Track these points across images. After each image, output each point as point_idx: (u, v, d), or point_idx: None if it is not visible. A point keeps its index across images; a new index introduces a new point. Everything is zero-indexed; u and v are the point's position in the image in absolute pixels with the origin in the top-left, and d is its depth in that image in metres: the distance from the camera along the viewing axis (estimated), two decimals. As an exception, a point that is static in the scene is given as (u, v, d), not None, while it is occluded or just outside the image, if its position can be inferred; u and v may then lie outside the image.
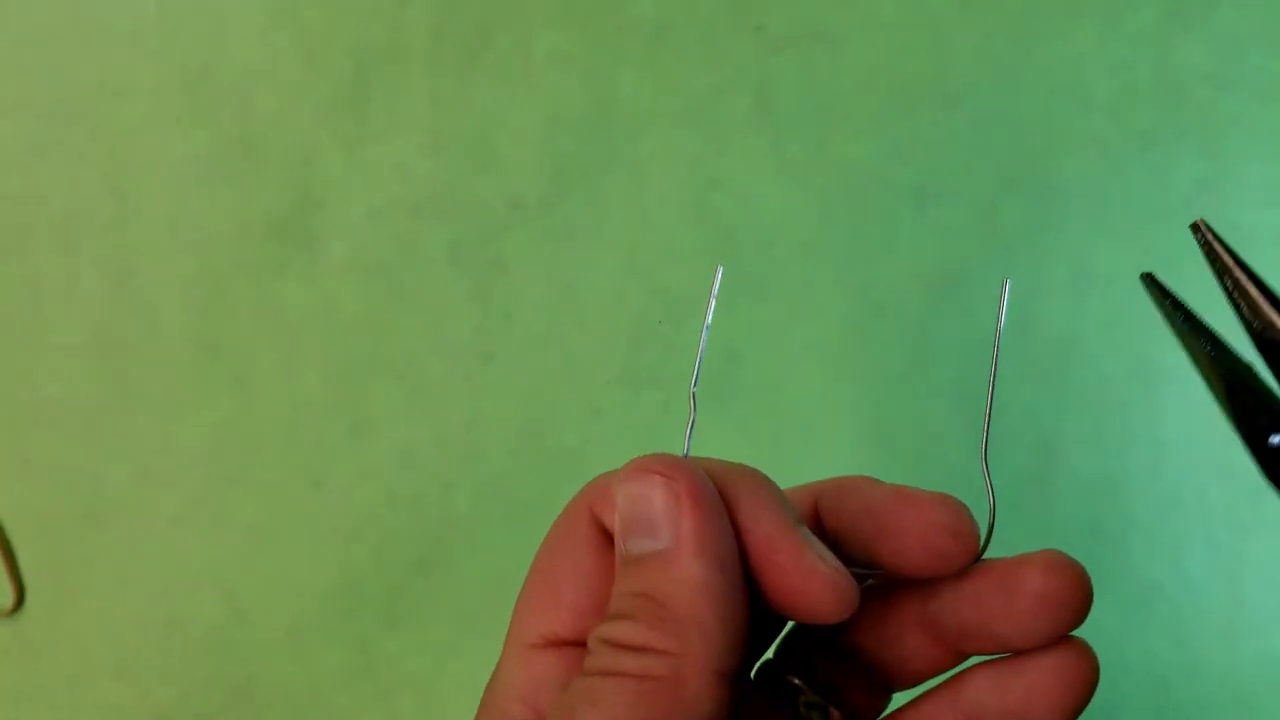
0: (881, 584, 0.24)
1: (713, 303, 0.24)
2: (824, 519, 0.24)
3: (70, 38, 0.52)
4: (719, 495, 0.22)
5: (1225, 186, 0.44)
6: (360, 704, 0.49)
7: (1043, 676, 0.23)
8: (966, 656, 0.25)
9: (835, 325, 0.46)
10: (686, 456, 0.23)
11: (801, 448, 0.45)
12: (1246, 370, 0.21)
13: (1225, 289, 0.22)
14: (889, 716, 0.26)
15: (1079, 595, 0.22)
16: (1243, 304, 0.21)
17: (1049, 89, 0.45)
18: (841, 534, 0.24)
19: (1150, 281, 0.24)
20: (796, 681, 0.25)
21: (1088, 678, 0.23)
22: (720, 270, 0.24)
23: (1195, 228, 0.23)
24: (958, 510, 0.23)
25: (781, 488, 0.24)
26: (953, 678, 0.25)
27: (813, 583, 0.21)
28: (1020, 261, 0.45)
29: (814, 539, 0.22)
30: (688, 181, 0.47)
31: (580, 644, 0.22)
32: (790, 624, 0.26)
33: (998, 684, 0.23)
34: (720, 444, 0.46)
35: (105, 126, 0.52)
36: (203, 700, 0.50)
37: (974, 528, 0.23)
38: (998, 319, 0.24)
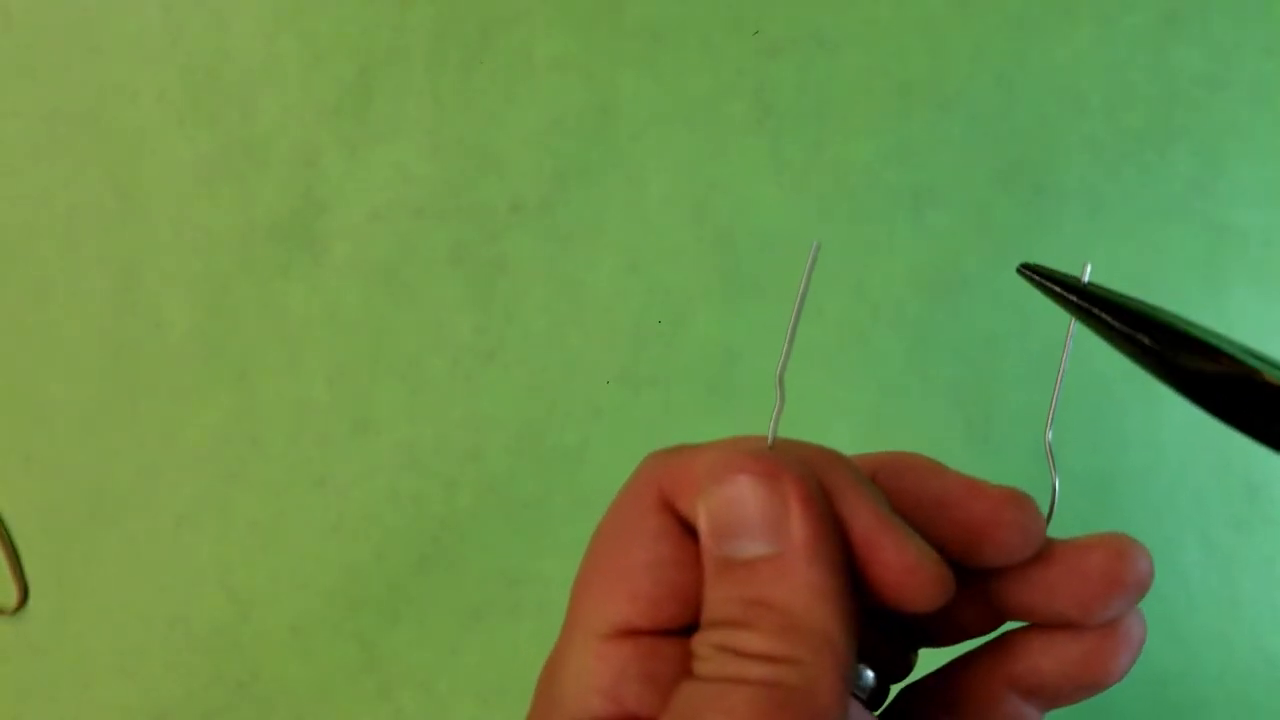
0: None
1: (807, 281, 0.24)
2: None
3: (75, 40, 0.52)
4: (822, 491, 0.21)
5: (1219, 187, 0.44)
6: (363, 701, 0.49)
7: (1101, 642, 0.23)
8: (1009, 619, 0.25)
9: (833, 325, 0.46)
10: (771, 444, 0.23)
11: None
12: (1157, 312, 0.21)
13: (1085, 321, 0.23)
14: (932, 676, 0.26)
15: (1145, 578, 0.22)
16: (1107, 331, 0.22)
17: (1045, 91, 0.45)
18: (902, 514, 0.23)
19: (1028, 273, 0.24)
20: None
21: (1141, 639, 0.23)
22: (816, 246, 0.24)
23: (1022, 271, 0.24)
24: (1029, 509, 0.23)
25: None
26: (999, 639, 0.25)
27: (918, 576, 0.21)
28: (1016, 262, 0.45)
29: (909, 529, 0.22)
30: (687, 183, 0.47)
31: (655, 634, 0.22)
32: None
33: (1052, 649, 0.24)
34: (719, 443, 0.46)
35: (110, 128, 0.52)
36: (206, 698, 0.50)
37: (1043, 525, 0.23)
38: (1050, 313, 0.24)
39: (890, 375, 0.46)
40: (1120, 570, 0.22)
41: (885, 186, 0.46)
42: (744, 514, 0.21)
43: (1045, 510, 0.24)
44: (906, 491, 0.24)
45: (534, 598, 0.47)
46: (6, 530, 0.52)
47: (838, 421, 0.46)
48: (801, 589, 0.20)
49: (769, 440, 0.23)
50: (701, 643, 0.21)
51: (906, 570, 0.21)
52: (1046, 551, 0.23)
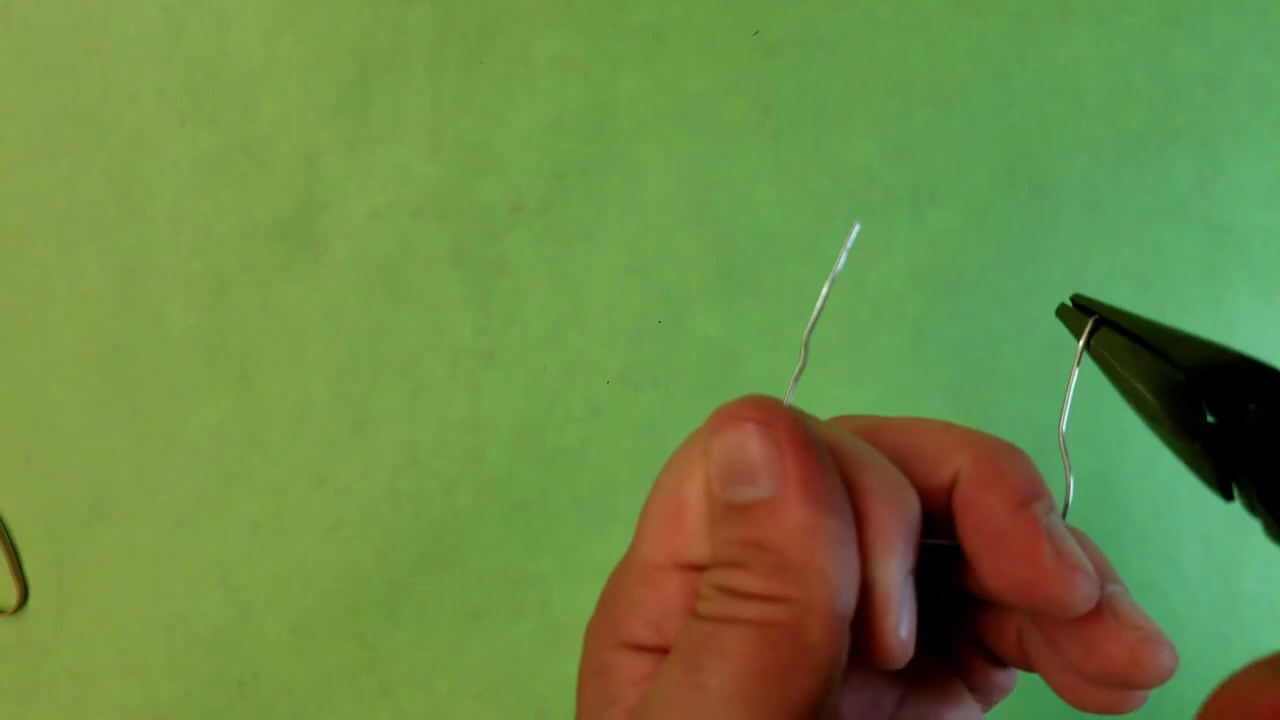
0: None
1: (844, 255, 0.24)
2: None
3: (76, 41, 0.52)
4: (821, 440, 0.22)
5: (1219, 187, 0.44)
6: (363, 700, 0.49)
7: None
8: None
9: (833, 325, 0.46)
10: (789, 405, 0.23)
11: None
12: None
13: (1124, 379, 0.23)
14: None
15: (1159, 679, 0.22)
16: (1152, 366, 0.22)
17: (1044, 91, 0.45)
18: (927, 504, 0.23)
19: (1074, 312, 0.24)
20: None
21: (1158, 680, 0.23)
22: (857, 226, 0.24)
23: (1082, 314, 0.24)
24: (1087, 583, 0.22)
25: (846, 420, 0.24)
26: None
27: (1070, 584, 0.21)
28: (1016, 262, 0.45)
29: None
30: (687, 183, 0.47)
31: (701, 569, 0.22)
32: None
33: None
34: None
35: (110, 128, 0.52)
36: (206, 697, 0.50)
37: (1090, 596, 0.22)
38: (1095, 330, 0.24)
39: (890, 374, 0.46)
40: (1137, 670, 0.22)
41: (885, 186, 0.46)
42: (743, 459, 0.21)
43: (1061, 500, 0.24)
44: (933, 484, 0.23)
45: (534, 598, 0.47)
46: (6, 530, 0.52)
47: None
48: (794, 529, 0.21)
49: (788, 399, 0.23)
50: (705, 583, 0.22)
51: (1063, 583, 0.21)
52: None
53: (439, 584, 0.48)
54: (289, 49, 0.50)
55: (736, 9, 0.47)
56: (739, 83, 0.47)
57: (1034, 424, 0.44)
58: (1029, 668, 0.24)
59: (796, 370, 0.24)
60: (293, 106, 0.50)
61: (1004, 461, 0.23)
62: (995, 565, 0.22)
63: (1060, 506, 0.23)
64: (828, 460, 0.21)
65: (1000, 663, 0.26)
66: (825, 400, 0.46)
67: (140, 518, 0.51)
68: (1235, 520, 0.43)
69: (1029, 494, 0.22)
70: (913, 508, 0.22)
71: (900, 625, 0.21)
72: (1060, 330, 0.44)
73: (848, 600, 0.21)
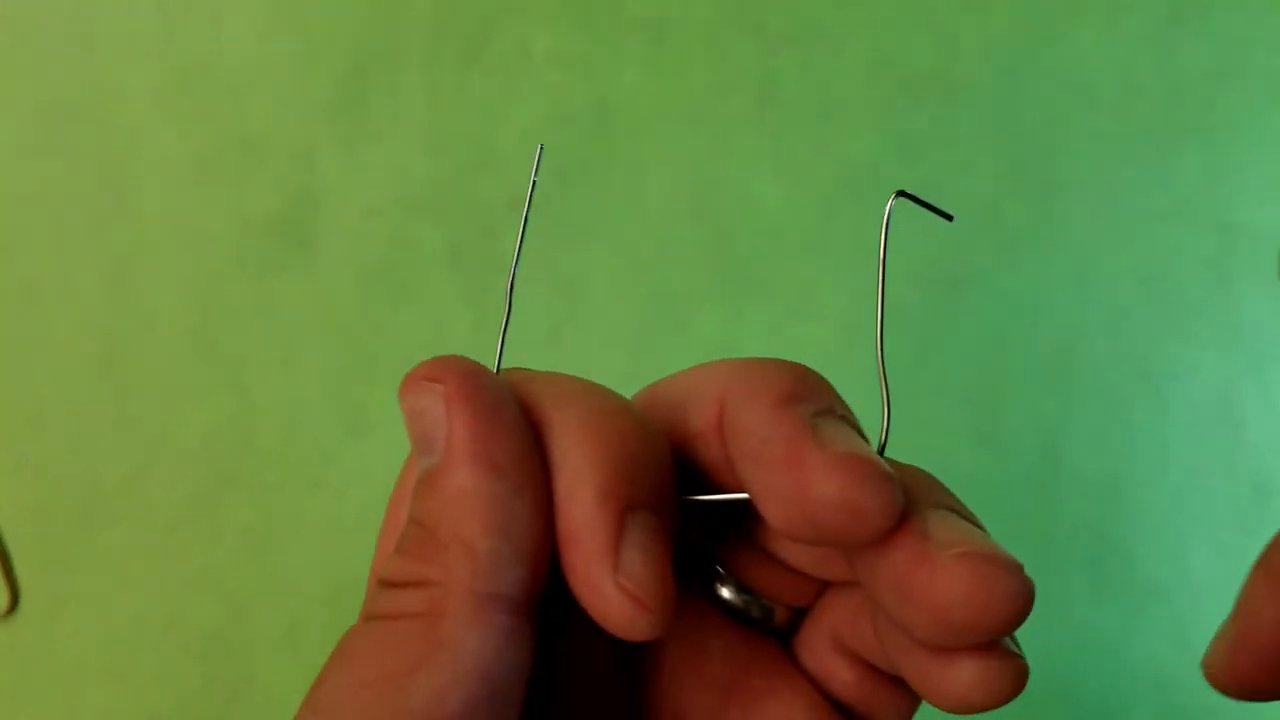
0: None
1: (535, 180, 0.22)
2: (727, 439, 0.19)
3: (68, 37, 0.52)
4: (508, 393, 0.18)
5: (1227, 184, 0.44)
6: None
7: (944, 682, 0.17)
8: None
9: (835, 325, 0.46)
10: (499, 359, 0.20)
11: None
12: None
13: None
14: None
15: (1002, 615, 0.16)
16: None
17: (1051, 87, 0.45)
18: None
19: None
20: (720, 570, 0.21)
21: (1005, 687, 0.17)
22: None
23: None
24: (870, 485, 0.16)
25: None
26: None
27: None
28: (1023, 259, 0.45)
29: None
30: (688, 180, 0.47)
31: None
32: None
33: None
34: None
35: (103, 125, 0.52)
36: (200, 702, 0.50)
37: (885, 503, 0.16)
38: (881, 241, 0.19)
39: (896, 374, 0.45)
40: (960, 601, 0.16)
41: (889, 184, 0.45)
42: (422, 425, 0.18)
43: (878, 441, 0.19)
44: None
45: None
46: (-3, 533, 0.52)
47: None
48: (447, 497, 0.17)
49: (498, 358, 0.21)
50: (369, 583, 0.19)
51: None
52: (889, 542, 0.17)
53: (436, 588, 0.48)
54: (283, 45, 0.50)
55: (738, 3, 0.47)
56: (741, 78, 0.47)
57: (1043, 424, 0.44)
58: (895, 669, 0.19)
59: (503, 323, 0.21)
60: (287, 103, 0.50)
61: (765, 370, 0.19)
62: (763, 488, 0.17)
63: (876, 440, 0.19)
64: (505, 411, 0.18)
65: (879, 671, 0.20)
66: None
67: (132, 521, 0.51)
68: (1245, 523, 0.42)
69: (791, 393, 0.18)
70: (625, 438, 0.18)
71: (614, 574, 0.17)
72: (1064, 330, 0.44)
73: (502, 575, 0.17)
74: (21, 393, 0.52)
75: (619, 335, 0.47)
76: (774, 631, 0.21)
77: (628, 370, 0.47)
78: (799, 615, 0.21)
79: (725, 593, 0.20)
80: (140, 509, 0.51)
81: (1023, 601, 0.16)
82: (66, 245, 0.52)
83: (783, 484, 0.16)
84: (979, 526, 0.18)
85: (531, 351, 0.48)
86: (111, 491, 0.51)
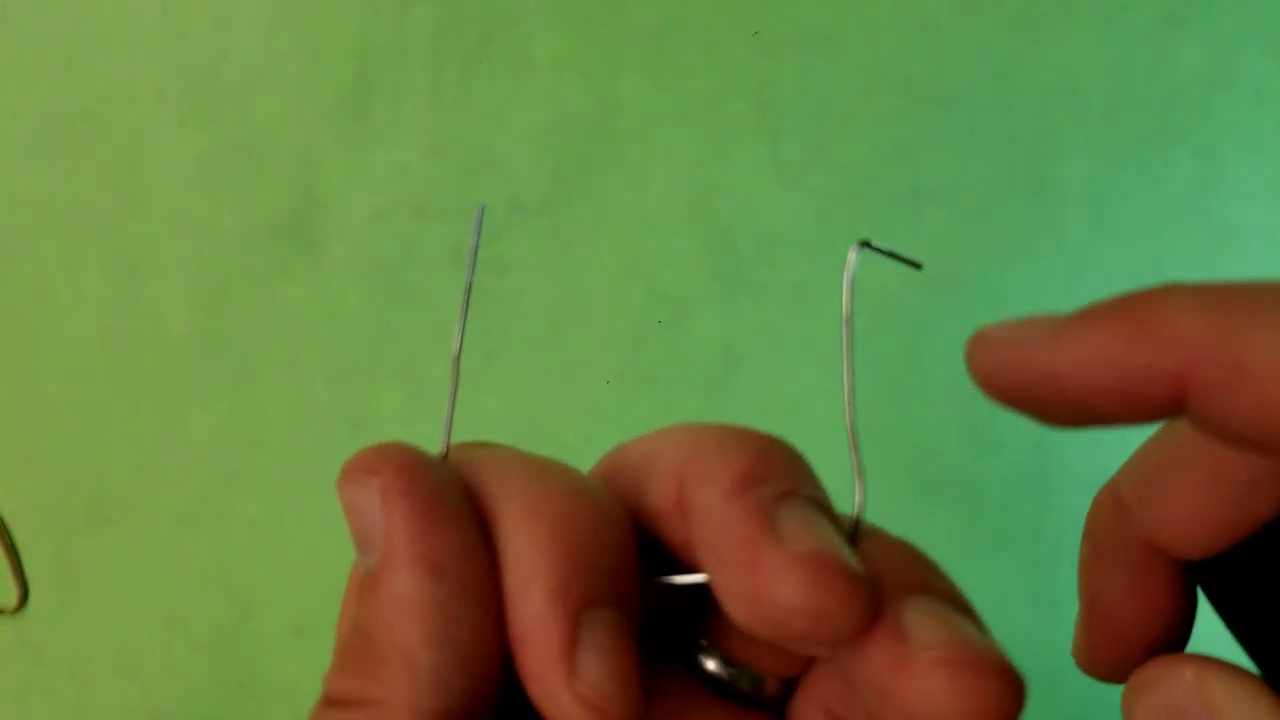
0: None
1: (476, 242, 0.19)
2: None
3: (74, 40, 0.52)
4: (451, 483, 0.17)
5: (1221, 187, 0.44)
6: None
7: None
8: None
9: (834, 325, 0.46)
10: (446, 442, 0.19)
11: (801, 448, 0.45)
12: None
13: None
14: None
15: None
16: None
17: (1045, 90, 0.45)
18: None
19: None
20: (704, 643, 0.19)
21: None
22: (482, 209, 0.19)
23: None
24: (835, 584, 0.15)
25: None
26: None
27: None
28: (1017, 263, 0.45)
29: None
30: (687, 183, 0.47)
31: None
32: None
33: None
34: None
35: (109, 128, 0.52)
36: (206, 698, 0.50)
37: (852, 606, 0.15)
38: None
39: (890, 375, 0.46)
40: (946, 711, 0.14)
41: (885, 186, 0.46)
42: (359, 521, 0.17)
43: (852, 520, 0.17)
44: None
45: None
46: (6, 530, 0.52)
47: (839, 421, 0.46)
48: (387, 601, 0.16)
49: (444, 439, 0.19)
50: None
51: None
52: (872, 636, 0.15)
53: (439, 584, 0.48)
54: (288, 49, 0.50)
55: (737, 8, 0.47)
56: (739, 82, 0.47)
57: (1036, 430, 0.44)
58: None
59: (450, 395, 0.19)
60: (292, 106, 0.50)
61: (723, 445, 0.17)
62: (722, 581, 0.15)
63: (850, 515, 0.17)
64: (447, 505, 0.16)
65: None
66: (826, 401, 0.46)
67: (140, 518, 0.51)
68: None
69: (748, 476, 0.16)
70: (579, 524, 0.16)
71: (570, 680, 0.15)
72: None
73: (446, 689, 0.15)
74: (30, 392, 0.52)
75: (619, 335, 0.47)
76: (766, 703, 0.19)
77: (628, 370, 0.47)
78: (790, 684, 0.19)
79: (711, 665, 0.19)
80: (148, 507, 0.51)
81: (1010, 708, 0.14)
82: (74, 247, 0.52)
83: (739, 584, 0.15)
84: (965, 609, 0.16)
85: (532, 351, 0.48)
86: (119, 489, 0.51)
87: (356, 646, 0.16)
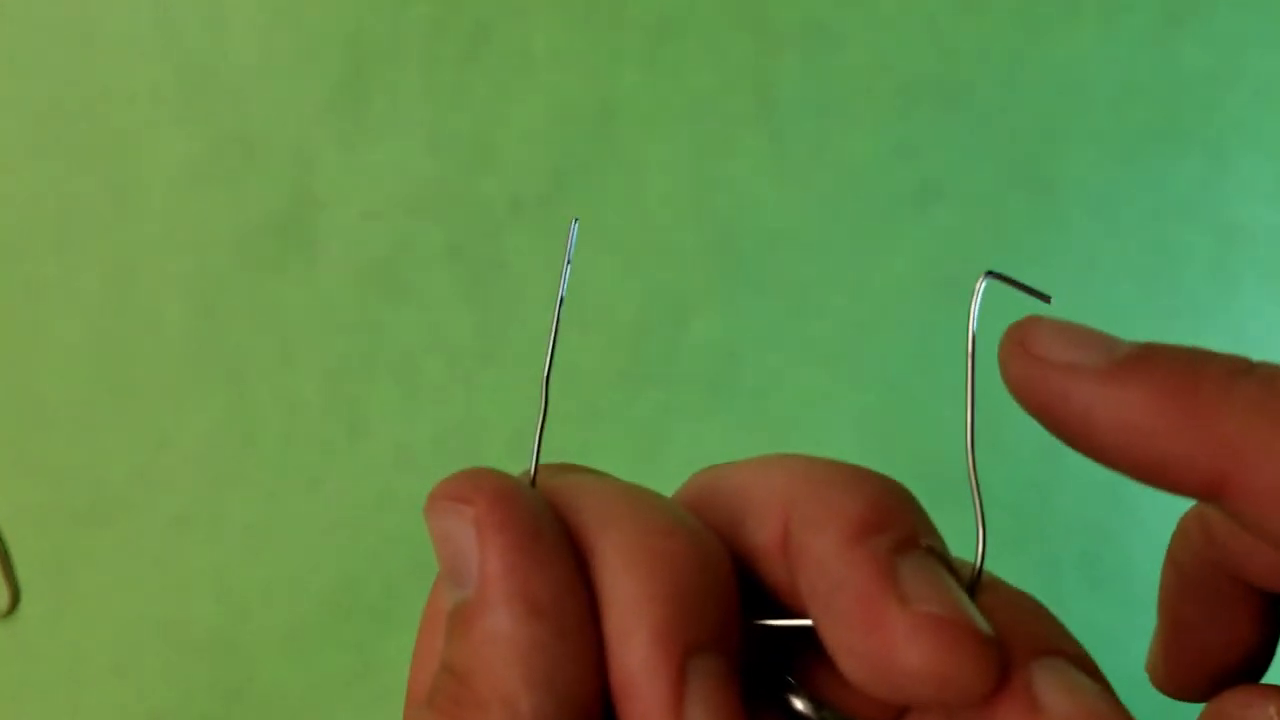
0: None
1: (568, 268, 0.19)
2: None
3: (68, 38, 0.52)
4: (547, 515, 0.16)
5: (1227, 185, 0.44)
6: (358, 706, 0.48)
7: None
8: None
9: (836, 325, 0.46)
10: (535, 467, 0.18)
11: (801, 449, 0.45)
12: None
13: None
14: None
15: None
16: None
17: (1051, 88, 0.45)
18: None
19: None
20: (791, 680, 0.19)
21: None
22: (575, 222, 0.19)
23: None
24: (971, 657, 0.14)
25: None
26: None
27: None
28: (1023, 260, 0.45)
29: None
30: (688, 180, 0.47)
31: None
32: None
33: None
34: (721, 444, 0.46)
35: (103, 126, 0.52)
36: (201, 702, 0.50)
37: (980, 672, 0.14)
38: None
39: (894, 375, 0.45)
40: None
41: (889, 184, 0.46)
42: (450, 552, 0.16)
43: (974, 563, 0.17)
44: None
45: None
46: (-2, 532, 0.52)
47: (840, 421, 0.45)
48: (484, 640, 0.15)
49: (533, 459, 0.18)
50: None
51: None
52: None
53: (436, 587, 0.48)
54: (283, 46, 0.50)
55: (738, 3, 0.47)
56: (741, 78, 0.47)
57: (1046, 434, 0.44)
58: None
59: (540, 419, 0.19)
60: (287, 104, 0.50)
61: (834, 486, 0.16)
62: (836, 636, 0.15)
63: (974, 562, 0.16)
64: (545, 539, 0.16)
65: None
66: (828, 401, 0.45)
67: (133, 520, 0.51)
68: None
69: (865, 524, 0.15)
70: (683, 565, 0.16)
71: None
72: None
73: None
74: (23, 393, 0.52)
75: (619, 335, 0.47)
76: None
77: (628, 370, 0.47)
78: None
79: (799, 705, 0.18)
80: (141, 509, 0.51)
81: None
82: (67, 245, 0.52)
83: (859, 644, 0.14)
84: (1093, 672, 0.16)
85: (531, 351, 0.48)
86: (112, 491, 0.51)
87: (449, 689, 0.16)
